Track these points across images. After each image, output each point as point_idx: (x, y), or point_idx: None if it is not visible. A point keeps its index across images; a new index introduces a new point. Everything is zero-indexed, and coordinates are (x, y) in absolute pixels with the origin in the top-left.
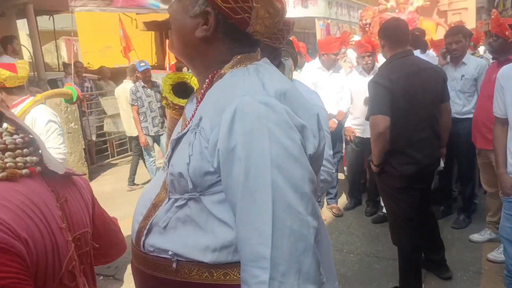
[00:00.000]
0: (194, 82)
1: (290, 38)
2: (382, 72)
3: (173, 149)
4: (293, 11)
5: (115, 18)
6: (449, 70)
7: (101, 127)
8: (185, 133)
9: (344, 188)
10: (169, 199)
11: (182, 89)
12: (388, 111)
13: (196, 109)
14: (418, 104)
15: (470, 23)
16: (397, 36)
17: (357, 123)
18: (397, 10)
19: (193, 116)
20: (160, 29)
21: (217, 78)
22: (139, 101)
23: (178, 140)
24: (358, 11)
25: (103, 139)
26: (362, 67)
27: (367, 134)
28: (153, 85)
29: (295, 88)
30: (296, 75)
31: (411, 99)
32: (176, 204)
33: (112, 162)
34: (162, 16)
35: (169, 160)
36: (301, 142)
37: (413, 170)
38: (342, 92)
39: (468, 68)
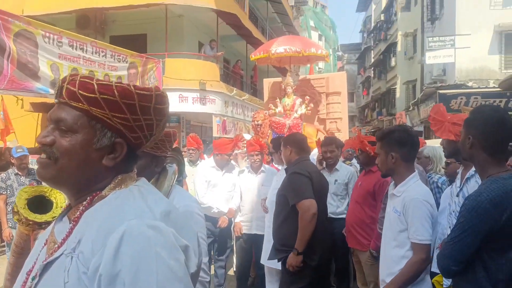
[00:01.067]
0: (54, 195)
1: (190, 136)
2: (299, 166)
3: (40, 275)
4: (192, 106)
5: None
6: (324, 175)
7: None
8: (57, 257)
9: (232, 284)
10: None
11: (39, 203)
12: (311, 194)
13: (71, 230)
14: (322, 199)
15: (344, 130)
16: (303, 145)
17: (245, 220)
18: (284, 115)
19: (66, 238)
20: (49, 111)
21: (98, 199)
22: (8, 190)
23: (48, 265)
24: (252, 112)
25: None
26: (250, 166)
27: (255, 231)
28: (29, 173)
29: (175, 207)
30: (191, 170)
31: (319, 193)
32: None
33: None
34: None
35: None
36: (185, 262)
37: (321, 261)
38: (233, 191)
39: (341, 174)
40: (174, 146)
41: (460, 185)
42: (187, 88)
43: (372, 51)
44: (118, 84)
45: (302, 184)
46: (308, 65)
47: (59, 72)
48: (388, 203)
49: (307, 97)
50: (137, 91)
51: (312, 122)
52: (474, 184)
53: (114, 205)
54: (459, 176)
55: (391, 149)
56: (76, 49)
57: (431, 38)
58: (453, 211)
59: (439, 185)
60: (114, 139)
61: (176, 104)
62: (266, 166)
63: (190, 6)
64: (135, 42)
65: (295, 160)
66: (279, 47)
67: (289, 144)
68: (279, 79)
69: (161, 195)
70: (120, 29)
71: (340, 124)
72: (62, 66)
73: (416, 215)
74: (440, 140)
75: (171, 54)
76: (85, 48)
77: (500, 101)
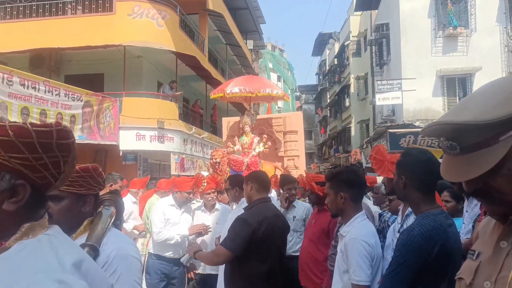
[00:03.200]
0: None
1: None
2: (252, 212)
3: None
4: (149, 145)
5: None
6: (284, 212)
7: None
8: None
9: None
10: None
11: None
12: (239, 250)
13: None
14: (274, 241)
15: (302, 167)
16: (264, 183)
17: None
18: (242, 153)
19: None
20: None
21: (1, 251)
22: None
23: None
24: (211, 150)
25: None
26: (204, 204)
27: (208, 270)
28: None
29: (89, 257)
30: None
31: (269, 237)
32: None
33: None
34: None
35: None
36: None
37: None
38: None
39: (298, 210)
40: (116, 188)
41: (401, 221)
42: (145, 126)
43: (328, 92)
44: (12, 124)
45: (238, 235)
46: (267, 104)
47: (7, 111)
48: (338, 243)
49: (265, 136)
50: (34, 128)
51: (271, 159)
52: (412, 220)
53: (18, 257)
54: (400, 212)
55: (340, 189)
56: (27, 88)
57: (380, 82)
58: None
59: (390, 223)
60: (14, 181)
61: (133, 142)
62: (222, 204)
63: (149, 48)
64: (92, 82)
65: (255, 200)
66: (235, 87)
67: (250, 181)
68: (237, 118)
69: (74, 244)
70: (76, 69)
71: (297, 162)
72: (11, 105)
73: (354, 255)
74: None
75: (128, 93)
76: (37, 87)
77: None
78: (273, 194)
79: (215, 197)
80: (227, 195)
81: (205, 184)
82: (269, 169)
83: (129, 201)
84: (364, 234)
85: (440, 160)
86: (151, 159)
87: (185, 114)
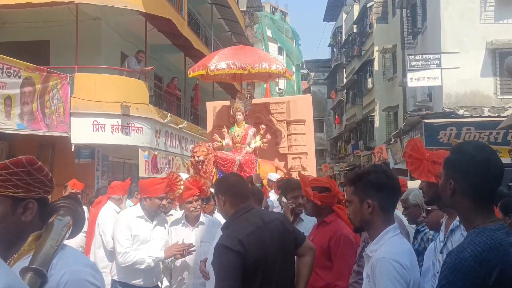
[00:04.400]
0: None
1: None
2: (229, 232)
3: None
4: (110, 137)
5: None
6: None
7: None
8: None
9: None
10: None
11: None
12: (235, 283)
13: None
14: (270, 261)
15: (311, 167)
16: (238, 190)
17: None
18: (233, 149)
19: None
20: None
21: None
22: None
23: None
24: (192, 144)
25: None
26: (185, 216)
27: None
28: None
29: (20, 282)
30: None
31: (263, 257)
32: None
33: None
34: None
35: None
36: None
37: None
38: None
39: (307, 225)
40: (71, 192)
41: (444, 238)
42: (105, 112)
43: (344, 70)
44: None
45: (225, 267)
46: (264, 85)
47: None
48: (365, 267)
49: (263, 126)
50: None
51: (270, 158)
52: (459, 237)
53: None
54: (442, 227)
55: (367, 194)
56: None
57: (412, 56)
58: (437, 272)
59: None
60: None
61: (89, 133)
62: (208, 216)
63: (110, 6)
64: (34, 52)
65: (231, 215)
66: (221, 61)
67: (220, 193)
68: (226, 103)
69: (4, 266)
70: (12, 34)
71: (305, 161)
72: None
73: (383, 279)
74: (419, 182)
75: (82, 67)
76: None
77: (498, 133)
78: (272, 197)
79: (198, 207)
80: (215, 204)
81: (182, 186)
82: (269, 170)
83: (111, 212)
84: (396, 253)
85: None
86: (113, 157)
87: (157, 96)
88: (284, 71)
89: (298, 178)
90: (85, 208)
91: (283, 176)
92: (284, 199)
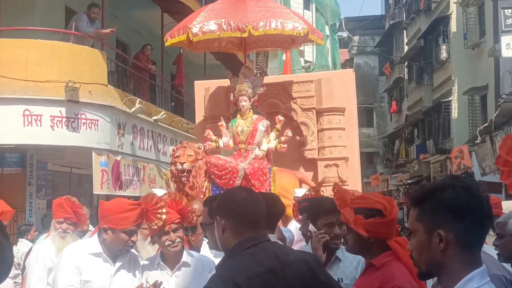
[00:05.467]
0: None
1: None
2: (222, 272)
3: None
4: (50, 134)
5: None
6: None
7: None
8: None
9: None
10: None
11: None
12: None
13: None
14: None
15: (354, 180)
16: (248, 215)
17: None
18: (235, 153)
19: None
20: None
21: None
22: None
23: None
24: (173, 145)
25: None
26: (161, 254)
27: None
28: None
29: None
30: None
31: None
32: None
33: None
34: None
35: None
36: None
37: None
38: None
39: (347, 267)
40: None
41: None
42: (41, 97)
43: (404, 32)
44: None
45: None
46: (282, 55)
47: None
48: None
49: (280, 118)
50: None
51: (293, 165)
52: None
53: None
54: None
55: (439, 223)
56: None
57: (509, 11)
58: None
59: None
60: None
61: (17, 129)
62: (194, 254)
63: None
64: None
65: (232, 248)
66: (209, 21)
67: (220, 214)
68: (225, 82)
69: None
70: None
71: (345, 170)
72: None
73: None
74: None
75: (7, 30)
76: None
77: None
78: (292, 227)
79: (179, 240)
80: (206, 235)
81: (164, 216)
82: (289, 184)
83: (47, 248)
84: None
85: None
86: (55, 164)
87: (121, 73)
88: (306, 32)
89: (333, 196)
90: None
91: (309, 193)
92: (311, 228)
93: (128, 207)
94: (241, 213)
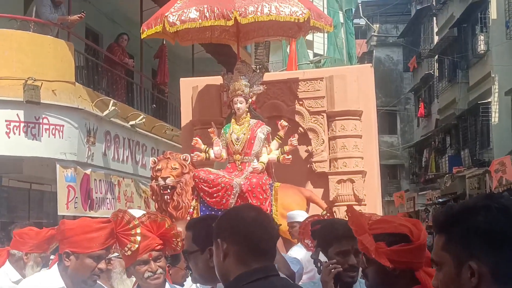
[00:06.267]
0: None
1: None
2: None
3: None
4: (5, 143)
5: None
6: None
7: None
8: None
9: None
10: None
11: None
12: None
13: None
14: None
15: (372, 199)
16: (254, 239)
17: None
18: (229, 165)
19: None
20: None
21: None
22: None
23: None
24: (152, 157)
25: None
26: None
27: None
28: None
29: None
30: None
31: None
32: None
33: None
34: None
35: None
36: None
37: None
38: None
39: None
40: None
41: None
42: None
43: (434, 20)
44: None
45: None
46: (286, 45)
47: None
48: None
49: (284, 123)
50: None
51: (298, 181)
52: None
53: None
54: None
55: (470, 253)
56: None
57: None
58: None
59: None
60: None
61: None
62: (177, 287)
63: None
64: None
65: (233, 280)
66: (189, 8)
67: (221, 237)
68: (217, 79)
69: None
70: None
71: (361, 186)
72: None
73: None
74: None
75: None
76: None
77: None
78: (297, 253)
79: (160, 271)
80: (188, 266)
81: (138, 237)
82: (295, 204)
83: (4, 281)
84: None
85: None
86: (11, 179)
87: (91, 69)
88: (306, 17)
89: (348, 219)
90: None
91: (323, 214)
92: (322, 257)
93: (95, 225)
94: (249, 238)
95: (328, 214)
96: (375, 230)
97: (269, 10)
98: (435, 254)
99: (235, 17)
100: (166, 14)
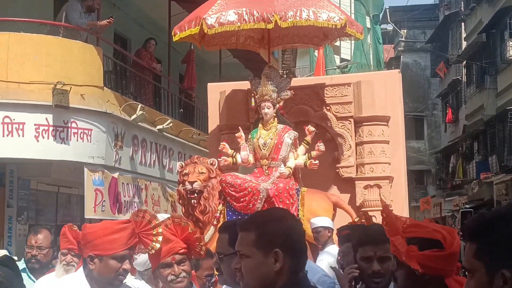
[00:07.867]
0: None
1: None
2: None
3: None
4: (33, 146)
5: None
6: None
7: None
8: None
9: None
10: None
11: None
12: None
13: None
14: None
15: (400, 203)
16: (304, 249)
17: None
18: (256, 170)
19: None
20: None
21: None
22: None
23: None
24: (179, 161)
25: None
26: None
27: None
28: None
29: None
30: None
31: None
32: None
33: None
34: None
35: None
36: None
37: None
38: None
39: None
40: None
41: None
42: (24, 102)
43: (462, 25)
44: None
45: None
46: (314, 52)
47: None
48: None
49: (311, 129)
50: None
51: (324, 186)
52: None
53: None
54: None
55: (502, 261)
56: None
57: None
58: None
59: None
60: None
61: None
62: None
63: None
64: None
65: (284, 283)
66: (227, 10)
67: (281, 247)
68: (245, 84)
69: None
70: None
71: (388, 191)
72: None
73: None
74: None
75: None
76: None
77: None
78: (324, 262)
79: (184, 275)
80: (218, 268)
81: (160, 237)
82: (321, 209)
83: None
84: None
85: None
86: (39, 182)
87: (119, 74)
88: (343, 23)
89: (381, 221)
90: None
91: (358, 220)
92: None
93: (116, 227)
94: (300, 249)
95: (363, 220)
96: (408, 234)
97: (307, 15)
98: (467, 261)
99: (276, 21)
100: (204, 17)
